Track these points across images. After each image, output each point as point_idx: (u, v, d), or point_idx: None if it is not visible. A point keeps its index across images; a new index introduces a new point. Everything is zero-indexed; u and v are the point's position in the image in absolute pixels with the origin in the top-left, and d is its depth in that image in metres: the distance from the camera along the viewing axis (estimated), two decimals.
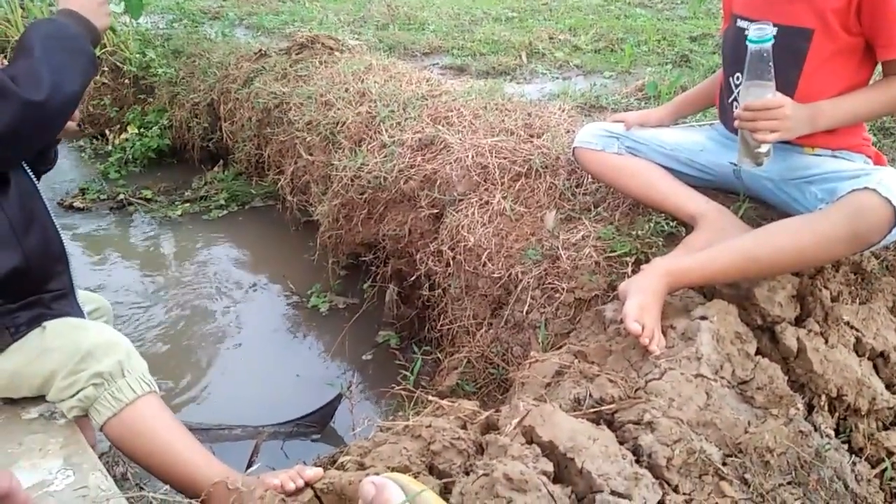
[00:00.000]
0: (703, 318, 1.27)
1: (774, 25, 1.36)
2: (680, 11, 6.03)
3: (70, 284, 1.21)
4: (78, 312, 1.20)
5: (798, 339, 1.26)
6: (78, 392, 1.10)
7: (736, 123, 1.33)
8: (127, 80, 4.20)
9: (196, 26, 4.66)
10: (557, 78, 4.03)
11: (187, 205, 3.32)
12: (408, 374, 1.75)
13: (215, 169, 3.57)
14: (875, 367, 1.27)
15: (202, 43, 4.16)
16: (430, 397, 1.20)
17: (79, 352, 1.11)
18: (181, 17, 4.86)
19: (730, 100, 1.52)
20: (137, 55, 4.16)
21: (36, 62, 1.00)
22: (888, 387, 1.24)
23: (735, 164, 1.54)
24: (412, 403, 1.55)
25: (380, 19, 5.80)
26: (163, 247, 3.07)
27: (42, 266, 1.14)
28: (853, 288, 1.37)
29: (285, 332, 2.41)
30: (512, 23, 5.67)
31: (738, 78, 1.46)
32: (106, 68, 4.25)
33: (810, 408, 1.22)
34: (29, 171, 1.17)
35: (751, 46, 1.26)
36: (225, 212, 3.25)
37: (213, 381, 2.17)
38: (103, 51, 4.20)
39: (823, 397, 1.21)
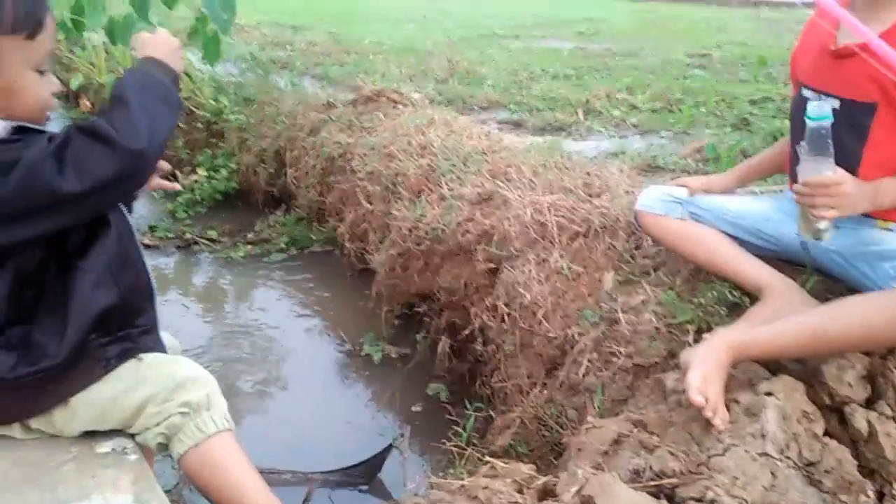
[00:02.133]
0: (769, 393, 1.25)
1: (837, 98, 1.36)
2: (740, 74, 6.02)
3: (155, 321, 1.26)
4: (161, 348, 1.26)
5: (868, 422, 1.22)
6: (165, 420, 1.14)
7: (794, 198, 1.32)
8: (200, 125, 4.41)
9: (267, 75, 4.89)
10: (614, 136, 4.05)
11: (249, 247, 3.43)
12: (458, 429, 1.75)
13: (278, 213, 3.69)
14: None
15: (272, 92, 4.36)
16: (486, 458, 1.20)
17: (173, 381, 1.16)
18: (254, 66, 5.11)
19: (797, 167, 1.51)
20: (211, 101, 4.39)
21: (133, 111, 1.05)
22: None
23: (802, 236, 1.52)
24: (464, 461, 1.55)
25: (440, 73, 5.97)
26: (223, 287, 3.17)
27: (133, 303, 1.19)
28: None
29: (337, 378, 2.44)
30: (569, 80, 5.75)
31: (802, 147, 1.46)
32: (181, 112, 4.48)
33: (881, 495, 1.17)
34: (126, 211, 1.23)
35: (809, 123, 1.26)
36: (284, 255, 3.34)
37: (264, 424, 2.20)
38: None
39: (895, 485, 1.16)
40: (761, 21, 11.23)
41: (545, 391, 1.71)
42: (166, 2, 4.13)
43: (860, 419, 1.22)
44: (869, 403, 1.28)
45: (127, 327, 1.18)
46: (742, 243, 1.61)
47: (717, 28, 10.08)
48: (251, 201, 3.99)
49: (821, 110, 1.24)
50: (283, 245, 3.39)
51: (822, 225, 1.31)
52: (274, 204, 3.84)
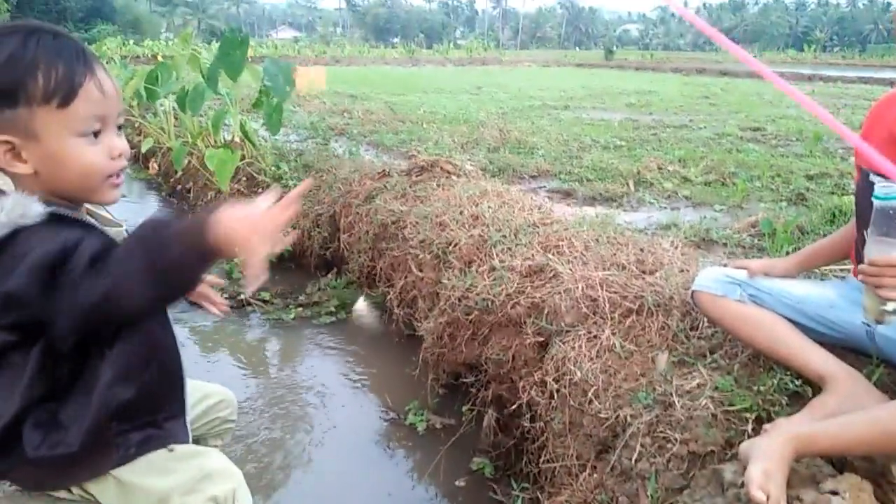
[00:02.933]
0: (834, 492, 1.18)
1: None
2: (795, 148, 5.96)
3: (183, 408, 1.26)
4: (185, 435, 1.23)
5: None
6: None
7: (860, 278, 1.30)
8: (260, 189, 4.59)
9: (325, 143, 5.09)
10: (665, 208, 4.03)
11: (300, 309, 3.49)
12: None
13: (329, 276, 3.76)
14: None
15: (331, 160, 4.52)
16: None
17: (200, 473, 1.16)
18: (314, 134, 5.32)
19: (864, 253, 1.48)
20: (272, 167, 4.57)
21: (116, 261, 0.97)
22: None
23: (868, 325, 1.47)
24: None
25: (491, 142, 6.10)
26: (272, 348, 3.22)
27: (156, 394, 1.18)
28: None
29: (380, 447, 2.42)
30: (620, 151, 5.79)
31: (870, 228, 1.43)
32: (243, 177, 4.69)
33: None
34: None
35: (876, 203, 1.26)
36: (334, 318, 3.39)
37: (304, 491, 2.19)
38: (243, 161, 4.64)
39: None
40: (815, 95, 11.18)
41: (595, 475, 1.66)
42: (230, 74, 4.40)
43: None
44: None
45: (151, 415, 1.17)
46: (803, 329, 1.57)
47: (770, 102, 10.08)
48: (304, 264, 4.08)
49: (889, 190, 1.25)
50: (332, 308, 3.44)
51: (889, 307, 1.29)
52: (326, 268, 3.92)
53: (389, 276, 3.18)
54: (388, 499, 2.15)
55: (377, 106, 8.90)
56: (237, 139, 5.01)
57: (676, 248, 2.56)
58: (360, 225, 3.51)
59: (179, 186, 5.83)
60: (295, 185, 3.69)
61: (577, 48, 53.94)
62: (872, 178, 1.43)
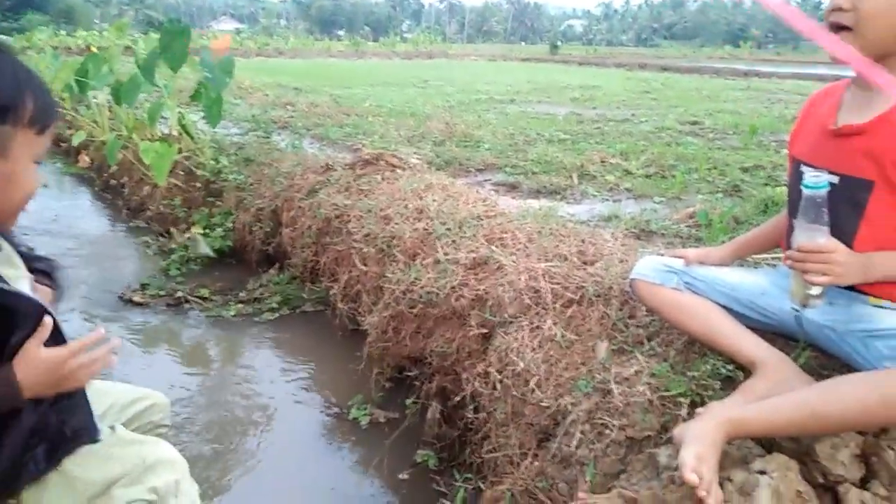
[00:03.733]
0: (762, 472, 1.22)
1: (836, 174, 1.39)
2: (731, 142, 6.15)
3: (88, 408, 1.22)
4: (94, 430, 1.21)
5: (862, 502, 1.19)
6: (131, 503, 1.11)
7: (787, 263, 1.35)
8: (198, 184, 4.47)
9: (267, 136, 4.98)
10: (608, 200, 4.11)
11: (241, 305, 3.41)
12: (445, 500, 1.70)
13: (271, 272, 3.69)
14: None
15: (273, 153, 4.43)
16: None
17: (143, 464, 1.14)
18: (255, 127, 5.21)
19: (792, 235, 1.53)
20: (211, 161, 4.45)
21: None
22: None
23: (796, 310, 1.52)
24: None
25: (438, 136, 6.09)
26: (212, 346, 3.14)
27: (60, 407, 1.16)
28: None
29: (322, 442, 2.39)
30: (564, 144, 5.86)
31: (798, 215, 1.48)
32: (181, 171, 4.55)
33: None
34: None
35: (805, 191, 1.30)
36: (276, 315, 3.32)
37: (246, 491, 2.14)
38: (180, 154, 4.51)
39: None
40: (751, 91, 11.56)
41: (536, 462, 1.67)
42: (171, 65, 4.26)
43: (854, 499, 1.19)
44: (863, 483, 1.25)
45: (56, 427, 1.15)
46: (737, 316, 1.61)
47: (708, 97, 10.37)
48: (245, 260, 4.00)
49: (817, 179, 1.28)
50: (274, 304, 3.37)
51: (814, 291, 1.34)
52: (268, 263, 3.84)
53: (333, 270, 3.14)
54: (332, 493, 2.13)
55: (322, 99, 8.78)
56: (175, 132, 4.86)
57: (617, 239, 2.61)
58: (303, 219, 3.45)
59: (113, 181, 5.62)
60: (235, 179, 3.58)
61: (523, 43, 54.43)
62: (803, 168, 1.48)
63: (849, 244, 1.35)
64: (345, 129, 6.19)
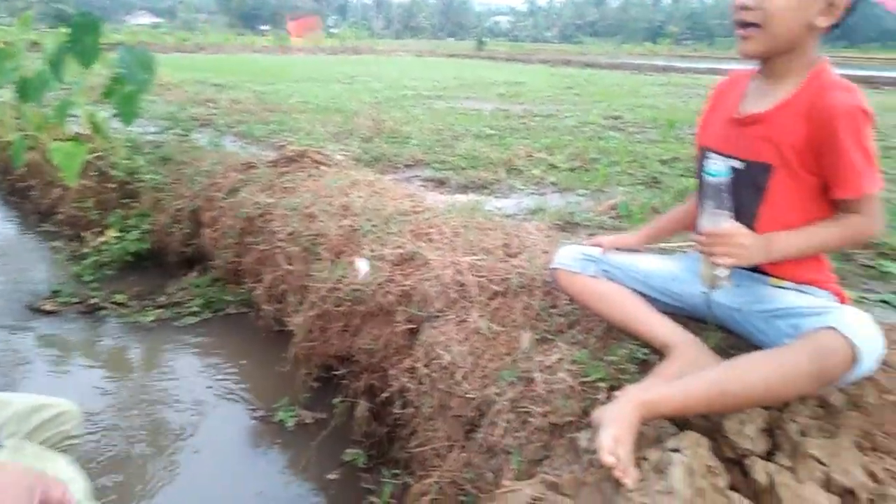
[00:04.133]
0: (675, 450, 1.27)
1: (740, 160, 1.46)
2: (650, 135, 6.36)
3: None
4: None
5: (768, 473, 1.26)
6: None
7: (696, 247, 1.41)
8: (112, 185, 4.27)
9: (186, 135, 4.80)
10: (534, 194, 4.17)
11: (160, 310, 3.29)
12: (374, 498, 1.69)
13: (192, 274, 3.57)
14: (845, 502, 1.26)
15: (191, 151, 4.28)
16: None
17: None
18: (174, 125, 5.02)
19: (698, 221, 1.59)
20: (126, 161, 4.26)
21: None
22: None
23: (706, 293, 1.59)
24: None
25: (366, 132, 6.04)
26: (130, 353, 3.01)
27: None
28: (820, 422, 1.37)
29: (249, 446, 2.33)
30: (491, 140, 5.92)
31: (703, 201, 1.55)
32: (94, 172, 4.33)
33: None
34: None
35: (707, 179, 1.36)
36: (198, 318, 3.22)
37: (170, 495, 2.08)
38: (93, 154, 4.30)
39: None
40: (670, 86, 11.99)
41: (463, 454, 1.69)
42: (83, 61, 4.04)
43: (760, 471, 1.26)
44: (769, 455, 1.32)
45: None
46: (651, 301, 1.67)
47: (629, 92, 10.69)
48: (164, 263, 3.85)
49: (718, 167, 1.35)
50: (196, 308, 3.27)
51: (720, 273, 1.40)
52: (188, 265, 3.71)
53: (257, 271, 3.06)
54: (258, 498, 2.08)
55: (245, 95, 8.55)
56: (86, 131, 4.62)
57: (541, 231, 2.66)
58: (224, 219, 3.36)
59: (21, 184, 5.31)
60: (151, 179, 3.43)
61: (450, 39, 54.64)
62: (707, 154, 1.54)
63: (751, 225, 1.43)
64: (269, 126, 6.06)
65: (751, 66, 1.60)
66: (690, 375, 1.36)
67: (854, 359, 1.21)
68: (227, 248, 3.29)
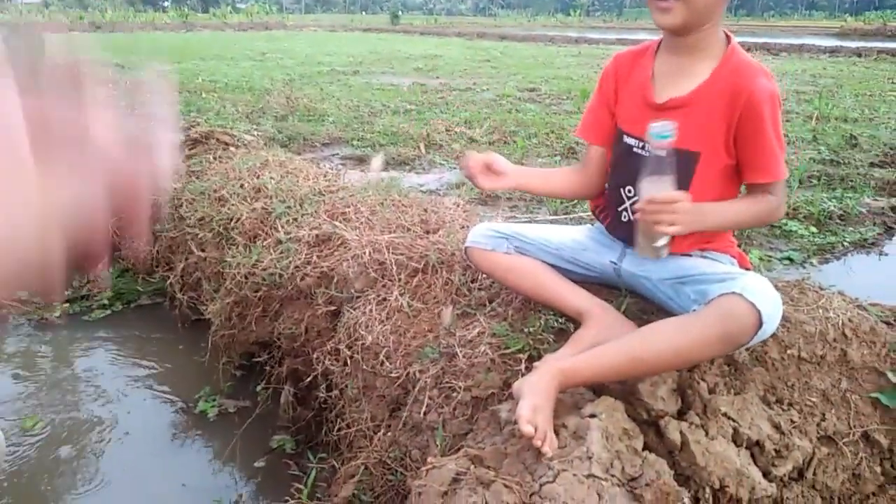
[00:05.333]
0: (593, 415, 1.30)
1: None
2: (565, 106, 6.48)
3: None
4: None
5: (681, 432, 1.31)
6: None
7: (638, 216, 1.37)
8: None
9: None
10: (455, 168, 4.18)
11: (67, 305, 3.10)
12: (298, 484, 1.67)
13: (100, 266, 3.38)
14: (752, 455, 1.33)
15: None
16: None
17: None
18: None
19: (620, 208, 1.60)
20: None
21: None
22: (765, 475, 1.31)
23: (615, 263, 1.63)
24: None
25: (279, 111, 5.88)
26: (38, 352, 2.84)
27: None
28: (728, 379, 1.45)
29: (171, 440, 2.25)
30: (410, 115, 5.89)
31: (629, 191, 1.55)
32: None
33: (696, 500, 1.26)
34: None
35: (654, 142, 1.32)
36: (109, 311, 3.05)
37: (92, 494, 1.99)
38: None
39: (707, 489, 1.25)
40: (582, 57, 12.22)
41: (389, 433, 1.68)
42: None
43: (673, 430, 1.31)
44: (680, 415, 1.38)
45: None
46: (564, 272, 1.70)
47: (544, 64, 10.83)
48: (68, 255, 3.63)
49: (664, 129, 1.31)
50: (106, 301, 3.10)
51: (662, 242, 1.40)
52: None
53: (168, 259, 2.94)
54: (183, 490, 2.02)
55: (147, 76, 8.13)
56: None
57: (458, 206, 2.66)
58: None
59: None
60: None
61: (364, 13, 53.61)
62: (629, 140, 1.53)
63: None
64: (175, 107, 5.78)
65: (644, 44, 1.61)
66: (604, 345, 1.39)
67: (758, 322, 1.27)
68: (133, 237, 3.12)
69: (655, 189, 1.35)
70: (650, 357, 1.33)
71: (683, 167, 1.44)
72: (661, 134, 1.32)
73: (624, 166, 1.56)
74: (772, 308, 1.30)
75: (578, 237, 1.74)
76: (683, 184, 1.45)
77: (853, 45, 13.81)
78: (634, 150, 1.52)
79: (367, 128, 5.29)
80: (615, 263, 1.62)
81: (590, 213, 2.78)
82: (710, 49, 1.45)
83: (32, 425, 2.28)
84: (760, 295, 1.29)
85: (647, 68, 1.54)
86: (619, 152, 1.60)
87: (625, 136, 1.56)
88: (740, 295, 1.28)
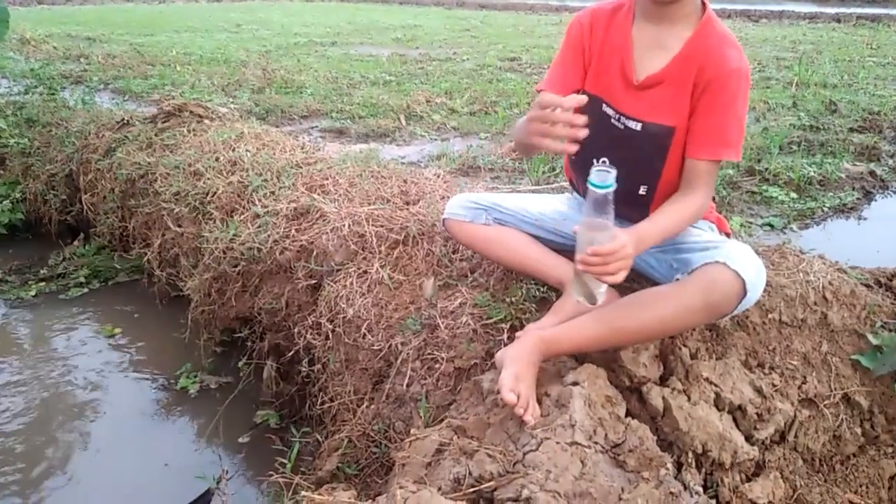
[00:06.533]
0: (575, 383, 1.30)
1: (640, 121, 1.41)
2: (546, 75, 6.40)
3: None
4: None
5: (663, 398, 1.31)
6: None
7: (580, 268, 1.24)
8: None
9: (53, 94, 4.39)
10: (436, 140, 4.13)
11: (42, 284, 3.05)
12: (286, 459, 1.66)
13: (75, 243, 3.32)
14: (734, 419, 1.34)
15: (60, 111, 3.92)
16: (304, 493, 1.13)
17: None
18: (37, 84, 4.57)
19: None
20: None
21: None
22: (747, 439, 1.31)
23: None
24: (290, 492, 1.47)
25: (256, 83, 5.76)
26: (15, 331, 2.79)
27: None
28: (709, 344, 1.45)
29: (152, 417, 2.23)
30: (389, 86, 5.79)
31: (604, 162, 1.46)
32: None
33: (679, 465, 1.27)
34: None
35: (593, 189, 1.20)
36: (86, 290, 3.00)
37: (74, 474, 1.98)
38: None
39: (690, 454, 1.26)
40: (562, 25, 12.08)
41: (373, 406, 1.67)
42: None
43: (656, 396, 1.31)
44: (662, 381, 1.38)
45: None
46: (545, 241, 1.68)
47: (524, 33, 10.70)
48: (43, 233, 3.55)
49: (603, 179, 1.20)
50: (82, 279, 3.04)
51: (602, 289, 1.30)
52: (71, 234, 3.45)
53: (145, 235, 2.88)
54: (167, 470, 2.01)
55: (121, 49, 7.92)
56: None
57: (439, 177, 2.62)
58: (103, 182, 3.12)
59: None
60: (17, 144, 3.11)
61: None
62: (607, 109, 1.47)
63: (654, 182, 1.44)
64: (149, 81, 5.66)
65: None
66: (586, 315, 1.37)
67: (743, 291, 1.26)
68: (109, 214, 3.07)
69: (597, 234, 1.22)
70: (633, 327, 1.32)
71: (659, 143, 1.41)
72: (602, 184, 1.20)
73: (599, 136, 1.51)
74: (755, 276, 1.29)
75: (559, 206, 1.72)
76: (660, 157, 1.43)
77: (832, 10, 13.81)
78: (612, 121, 1.48)
79: (346, 100, 5.20)
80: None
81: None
82: (690, 18, 1.40)
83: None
84: (744, 263, 1.28)
85: (626, 34, 1.46)
86: (596, 120, 1.54)
87: (603, 106, 1.50)
88: (724, 264, 1.27)
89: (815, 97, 4.91)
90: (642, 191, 1.47)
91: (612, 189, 1.19)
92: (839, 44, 8.48)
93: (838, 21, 12.13)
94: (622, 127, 1.44)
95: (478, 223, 1.68)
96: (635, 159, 1.43)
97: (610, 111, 1.47)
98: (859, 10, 13.56)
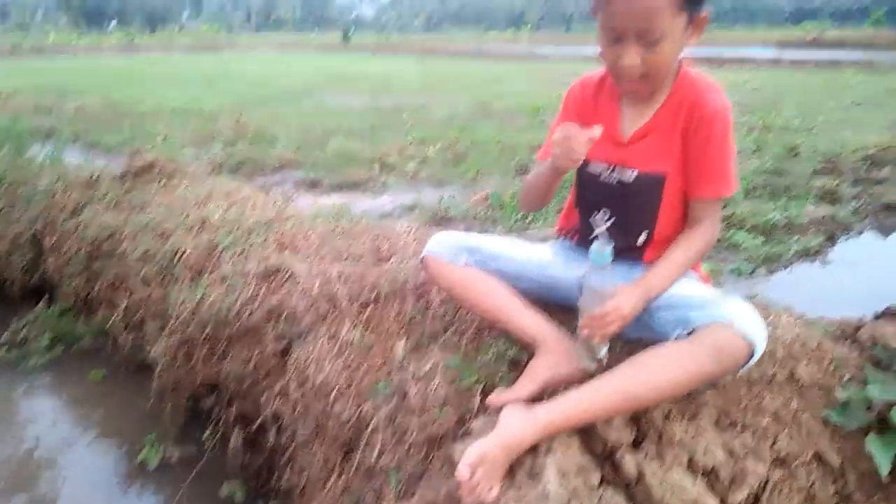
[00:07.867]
0: (548, 451, 1.27)
1: (633, 170, 1.47)
2: (517, 122, 6.52)
3: None
4: None
5: (637, 464, 1.29)
6: None
7: (585, 332, 1.37)
8: None
9: (19, 150, 4.34)
10: (409, 190, 4.15)
11: (4, 350, 2.95)
12: None
13: (38, 307, 3.23)
14: (709, 482, 1.32)
15: (27, 169, 3.87)
16: None
17: None
18: (5, 140, 4.52)
19: (593, 235, 1.56)
20: None
21: None
22: (722, 502, 1.29)
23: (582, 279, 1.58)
24: None
25: (228, 134, 5.77)
26: None
27: None
28: (681, 404, 1.43)
29: (115, 493, 2.14)
30: (363, 136, 5.84)
31: (605, 212, 1.54)
32: None
33: None
34: None
35: (593, 265, 1.33)
36: (47, 356, 2.90)
37: None
38: None
39: None
40: (532, 73, 12.37)
41: (342, 478, 1.62)
42: None
43: (629, 463, 1.28)
44: (636, 443, 1.36)
45: None
46: (527, 289, 1.64)
47: (495, 80, 10.93)
48: (5, 296, 3.46)
49: (602, 254, 1.33)
50: (45, 344, 2.95)
51: (603, 352, 1.40)
52: (35, 297, 3.36)
53: (110, 298, 2.82)
54: None
55: (93, 101, 7.92)
56: None
57: (410, 232, 2.61)
58: (69, 243, 3.06)
59: None
60: None
61: (317, 28, 53.41)
62: (595, 167, 1.52)
63: (651, 230, 1.49)
64: (122, 134, 5.64)
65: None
66: (590, 386, 1.33)
67: (750, 353, 1.29)
68: (74, 276, 3.00)
69: (597, 302, 1.34)
70: (647, 393, 1.30)
71: (653, 189, 1.47)
72: (600, 259, 1.33)
73: (592, 192, 1.57)
74: (762, 338, 1.32)
75: (543, 253, 1.70)
76: (652, 208, 1.48)
77: (792, 55, 14.33)
78: (602, 178, 1.53)
79: (319, 151, 5.22)
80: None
81: (543, 231, 2.77)
82: (664, 80, 1.46)
83: None
84: (751, 325, 1.31)
85: (614, 101, 1.54)
86: (586, 179, 1.58)
87: (590, 165, 1.54)
88: (730, 325, 1.29)
89: (778, 141, 5.05)
90: (641, 240, 1.53)
91: (608, 260, 1.32)
92: (798, 89, 8.78)
93: (799, 65, 12.57)
94: (615, 183, 1.51)
95: (458, 264, 1.64)
96: (631, 209, 1.50)
97: (598, 168, 1.53)
98: (817, 56, 14.06)
